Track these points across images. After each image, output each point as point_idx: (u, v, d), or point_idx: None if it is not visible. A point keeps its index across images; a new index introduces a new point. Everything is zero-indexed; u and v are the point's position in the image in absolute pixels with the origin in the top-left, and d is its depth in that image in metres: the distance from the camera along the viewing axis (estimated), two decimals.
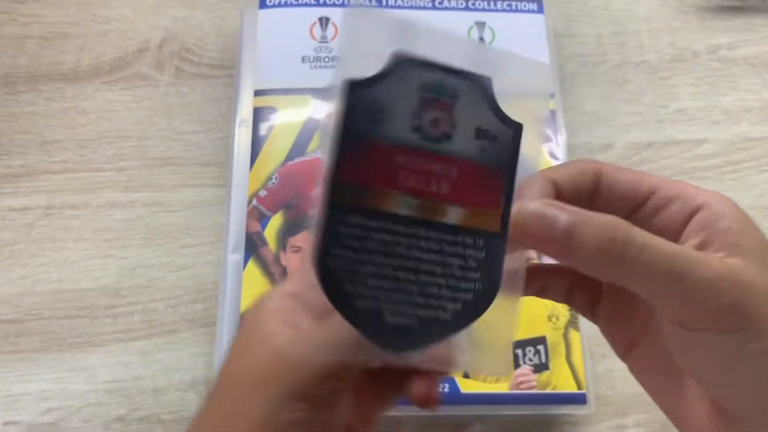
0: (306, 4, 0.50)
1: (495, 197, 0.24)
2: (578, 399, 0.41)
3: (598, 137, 0.50)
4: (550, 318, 0.43)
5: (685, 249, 0.23)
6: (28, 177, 0.48)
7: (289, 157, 0.46)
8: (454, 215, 0.23)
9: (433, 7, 0.51)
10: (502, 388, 0.41)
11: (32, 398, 0.42)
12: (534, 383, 0.41)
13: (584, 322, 0.43)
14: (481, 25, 0.50)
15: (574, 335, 0.43)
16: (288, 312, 0.26)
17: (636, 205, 0.26)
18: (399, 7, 0.51)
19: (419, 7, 0.51)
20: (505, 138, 0.24)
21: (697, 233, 0.24)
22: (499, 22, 0.50)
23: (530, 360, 0.42)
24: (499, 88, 0.24)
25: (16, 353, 0.43)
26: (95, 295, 0.45)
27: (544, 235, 0.23)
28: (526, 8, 0.51)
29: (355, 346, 0.23)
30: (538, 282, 0.28)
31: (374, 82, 0.23)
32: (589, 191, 0.26)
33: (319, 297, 0.23)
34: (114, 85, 0.51)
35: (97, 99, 0.50)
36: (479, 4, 0.51)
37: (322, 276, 0.22)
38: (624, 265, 0.22)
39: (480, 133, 0.24)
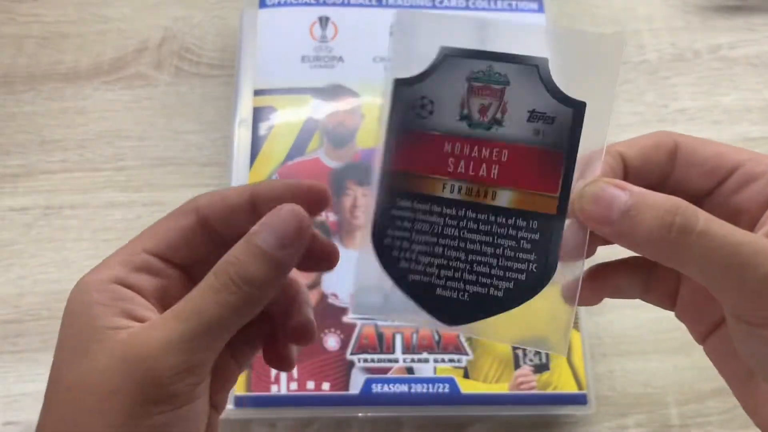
0: (306, 4, 0.50)
1: (551, 180, 0.24)
2: (579, 399, 0.41)
3: None
4: None
5: (756, 238, 0.21)
6: (27, 177, 0.48)
7: (289, 156, 0.46)
8: (504, 198, 0.24)
9: (433, 6, 0.51)
10: (502, 388, 0.41)
11: (32, 398, 0.42)
12: (534, 384, 0.41)
13: (584, 321, 0.43)
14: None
15: (574, 335, 0.42)
16: (121, 301, 0.23)
17: (717, 182, 0.24)
18: (399, 6, 0.51)
19: (419, 6, 0.51)
20: (564, 119, 0.24)
21: None
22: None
23: (530, 360, 0.42)
24: (559, 68, 0.24)
25: (15, 353, 0.43)
26: None
27: (601, 217, 0.22)
28: (527, 8, 0.51)
29: (214, 332, 0.22)
30: (610, 283, 0.27)
31: (422, 78, 0.25)
32: (663, 166, 0.25)
33: (151, 282, 0.24)
34: (113, 85, 0.51)
35: (96, 99, 0.50)
36: (479, 4, 0.51)
37: (380, 254, 0.25)
38: (679, 253, 0.21)
39: (534, 116, 0.24)
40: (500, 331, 0.25)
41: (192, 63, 0.51)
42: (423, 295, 0.25)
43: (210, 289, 0.23)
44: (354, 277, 0.26)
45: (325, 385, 0.41)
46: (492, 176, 0.24)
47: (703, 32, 0.54)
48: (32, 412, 0.42)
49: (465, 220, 0.24)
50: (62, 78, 0.51)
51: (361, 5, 0.50)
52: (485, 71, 0.24)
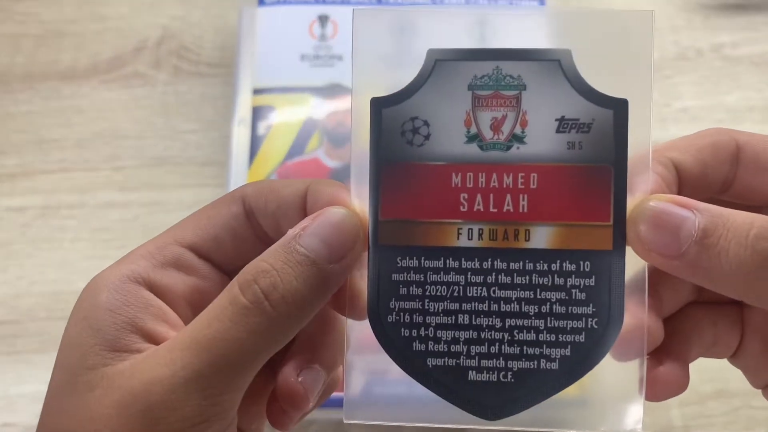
0: (305, 2, 0.50)
1: (600, 204, 0.18)
2: (579, 401, 0.41)
3: None
4: None
5: None
6: (25, 177, 0.48)
7: (288, 156, 0.45)
8: (542, 237, 0.18)
9: (433, 4, 0.51)
10: None
11: (29, 400, 0.42)
12: None
13: None
14: (482, 23, 0.50)
15: None
16: (134, 306, 0.19)
17: None
18: (398, 4, 0.51)
19: (419, 5, 0.51)
20: (603, 123, 0.18)
21: None
22: (500, 20, 0.50)
23: None
24: (584, 60, 0.19)
25: (12, 354, 0.43)
26: None
27: (665, 248, 0.17)
28: (528, 7, 0.51)
29: (239, 367, 0.17)
30: (709, 333, 0.21)
31: (408, 94, 0.19)
32: (725, 174, 0.20)
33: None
34: (111, 84, 0.50)
35: (94, 98, 0.50)
36: (480, 2, 0.51)
37: (383, 337, 0.19)
38: None
39: (565, 125, 0.19)
40: (561, 415, 0.19)
41: (190, 62, 0.51)
42: (451, 384, 0.19)
43: (233, 307, 0.18)
44: (346, 368, 0.20)
45: None
46: (521, 210, 0.19)
47: (706, 31, 0.54)
48: (29, 414, 0.41)
49: (494, 274, 0.19)
50: (60, 77, 0.50)
51: (360, 4, 0.50)
52: (492, 75, 0.19)
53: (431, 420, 0.20)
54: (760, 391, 0.23)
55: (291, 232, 0.19)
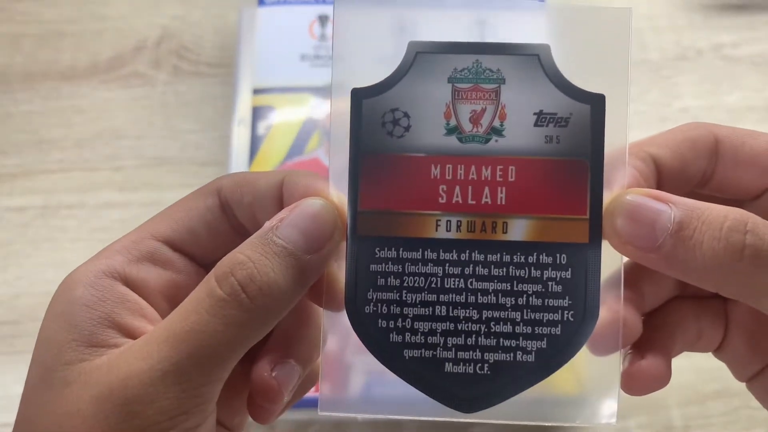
0: (305, 2, 0.50)
1: (576, 198, 0.18)
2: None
3: None
4: None
5: None
6: (24, 177, 0.47)
7: (288, 156, 0.45)
8: (519, 229, 0.19)
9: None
10: None
11: None
12: None
13: None
14: (481, 22, 0.50)
15: None
16: (110, 302, 0.19)
17: (767, 186, 0.20)
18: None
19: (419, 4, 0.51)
20: (581, 118, 0.19)
21: None
22: (500, 19, 0.50)
23: None
24: (563, 55, 0.19)
25: (12, 354, 0.43)
26: None
27: (642, 241, 0.17)
28: (528, 6, 0.51)
29: (217, 359, 0.17)
30: (693, 328, 0.21)
31: (389, 85, 0.19)
32: (703, 168, 0.20)
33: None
34: (111, 84, 0.50)
35: (93, 98, 0.50)
36: (480, 1, 0.51)
37: (359, 326, 0.19)
38: (755, 283, 0.17)
39: (542, 119, 0.19)
40: (537, 407, 0.19)
41: (190, 62, 0.51)
42: (427, 376, 0.19)
43: (210, 299, 0.17)
44: (322, 357, 0.20)
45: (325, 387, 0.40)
46: (498, 202, 0.19)
47: (706, 31, 0.54)
48: None
49: (471, 266, 0.19)
50: (60, 77, 0.50)
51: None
52: (471, 68, 0.19)
53: (407, 413, 0.20)
54: None
55: (268, 223, 0.18)
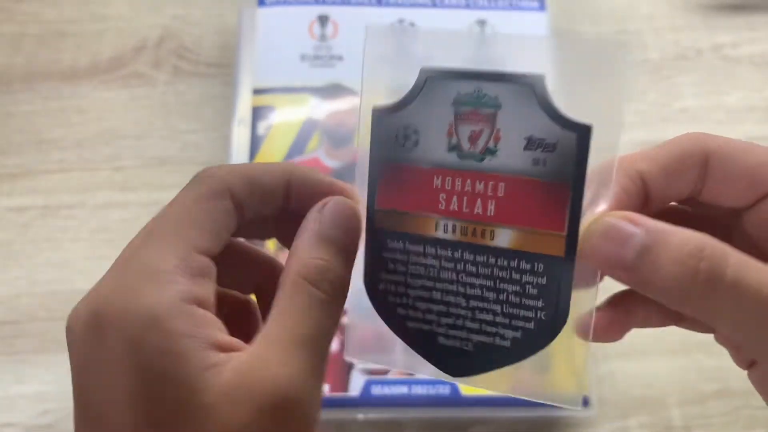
0: (305, 2, 0.50)
1: (556, 216, 0.20)
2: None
3: None
4: None
5: None
6: (25, 177, 0.48)
7: (288, 156, 0.45)
8: (504, 238, 0.21)
9: (434, 5, 0.51)
10: None
11: (28, 400, 0.42)
12: None
13: None
14: (482, 23, 0.50)
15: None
16: (204, 327, 0.18)
17: (758, 198, 0.21)
18: (399, 5, 0.51)
19: (419, 5, 0.51)
20: (567, 145, 0.20)
21: None
22: (500, 20, 0.50)
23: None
24: (558, 85, 0.20)
25: (12, 355, 0.43)
26: None
27: (613, 258, 0.19)
28: (528, 6, 0.51)
29: (329, 350, 0.20)
30: (636, 312, 0.23)
31: (403, 105, 0.22)
32: (693, 183, 0.21)
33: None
34: (111, 84, 0.50)
35: (94, 98, 0.50)
36: (480, 3, 0.51)
37: (375, 299, 0.23)
38: (707, 305, 0.18)
39: (532, 143, 0.21)
40: (510, 382, 0.23)
41: (190, 62, 0.51)
42: (424, 344, 0.23)
43: (317, 302, 0.20)
44: (348, 320, 0.23)
45: (325, 387, 0.40)
46: (488, 213, 0.21)
47: (706, 31, 0.54)
48: (29, 414, 0.42)
49: (463, 263, 0.22)
50: (60, 77, 0.50)
51: (360, 4, 0.50)
52: (473, 94, 0.21)
53: (411, 369, 0.24)
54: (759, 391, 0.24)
55: (312, 225, 0.21)
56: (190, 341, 0.18)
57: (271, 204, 0.22)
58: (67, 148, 0.48)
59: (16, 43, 0.52)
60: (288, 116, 0.47)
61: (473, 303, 0.22)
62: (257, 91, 0.47)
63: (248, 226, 0.22)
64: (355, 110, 0.47)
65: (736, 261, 0.18)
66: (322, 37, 0.49)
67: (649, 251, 0.18)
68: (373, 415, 0.41)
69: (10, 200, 0.47)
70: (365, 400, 0.40)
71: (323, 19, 0.49)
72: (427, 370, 0.22)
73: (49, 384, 0.42)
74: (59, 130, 0.49)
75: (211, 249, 0.20)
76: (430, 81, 0.21)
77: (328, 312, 0.20)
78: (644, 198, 0.21)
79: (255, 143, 0.46)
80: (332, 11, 0.49)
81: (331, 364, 0.41)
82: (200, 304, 0.19)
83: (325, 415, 0.41)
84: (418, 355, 0.23)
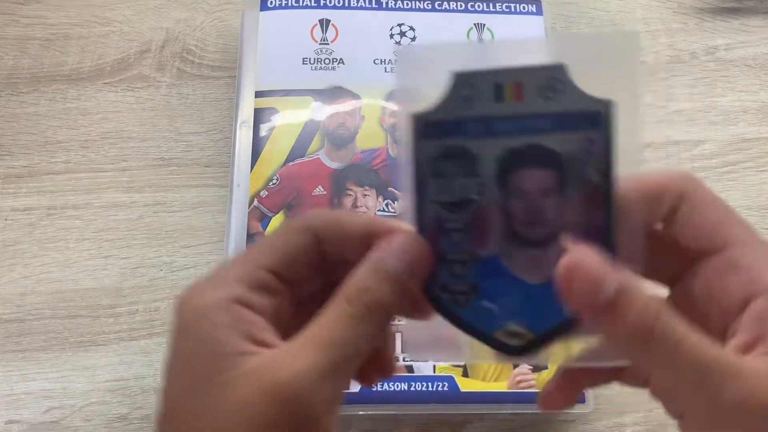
0: (307, 6, 0.50)
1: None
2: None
3: None
4: None
5: (723, 355, 0.20)
6: (31, 177, 0.48)
7: (290, 158, 0.46)
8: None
9: (433, 9, 0.52)
10: (501, 387, 0.41)
11: (34, 397, 0.42)
12: (533, 382, 0.42)
13: None
14: (480, 26, 0.51)
15: None
16: (245, 323, 0.22)
17: (706, 253, 0.23)
18: (399, 9, 0.51)
19: (418, 9, 0.51)
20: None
21: (750, 327, 0.21)
22: (498, 23, 0.51)
23: None
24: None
25: (18, 353, 0.44)
26: (97, 294, 0.45)
27: (586, 296, 0.21)
28: (525, 10, 0.51)
29: (354, 361, 0.22)
30: (585, 376, 0.26)
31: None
32: (665, 215, 0.23)
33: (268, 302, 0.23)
34: (116, 87, 0.51)
35: (99, 100, 0.50)
36: (478, 6, 0.51)
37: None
38: (655, 359, 0.20)
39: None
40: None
41: (194, 65, 0.52)
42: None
43: (347, 316, 0.22)
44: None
45: None
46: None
47: (700, 34, 0.54)
48: (34, 411, 0.42)
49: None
50: (65, 79, 0.51)
51: (361, 8, 0.51)
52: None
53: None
54: None
55: (375, 254, 0.23)
56: (228, 330, 0.22)
57: (353, 247, 0.24)
58: (73, 150, 0.49)
59: (21, 46, 0.52)
60: (290, 118, 0.47)
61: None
62: (260, 94, 0.48)
63: (338, 271, 0.24)
64: (355, 112, 0.48)
65: (682, 328, 0.20)
66: (324, 41, 0.49)
67: (621, 296, 0.20)
68: (373, 411, 0.41)
69: (16, 200, 0.47)
70: (365, 397, 0.41)
71: (324, 23, 0.50)
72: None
73: (55, 381, 0.43)
74: (65, 131, 0.49)
75: (279, 269, 0.24)
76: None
77: (354, 326, 0.22)
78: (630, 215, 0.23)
79: (257, 145, 0.46)
80: (333, 15, 0.50)
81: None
82: (248, 306, 0.23)
83: None
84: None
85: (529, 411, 0.42)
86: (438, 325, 0.24)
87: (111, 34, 0.53)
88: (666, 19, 0.55)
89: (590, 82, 0.22)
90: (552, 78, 0.22)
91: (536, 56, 0.23)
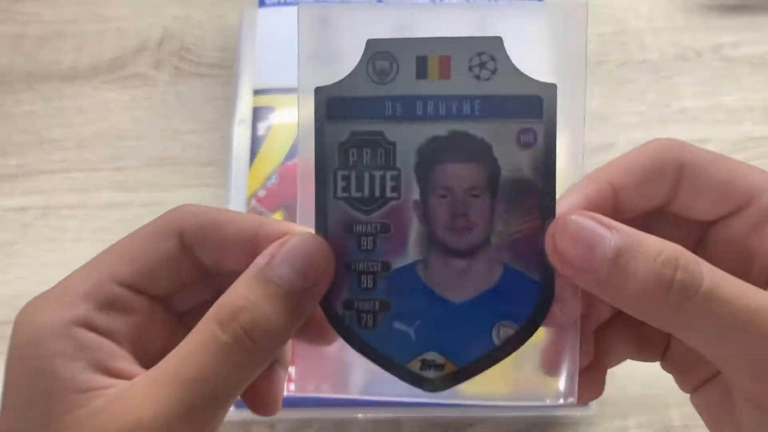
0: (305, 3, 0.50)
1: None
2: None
3: (599, 136, 0.50)
4: None
5: None
6: (26, 177, 0.48)
7: (289, 157, 0.46)
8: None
9: (433, 3, 0.51)
10: (504, 389, 0.41)
11: None
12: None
13: None
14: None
15: None
16: (89, 350, 0.18)
17: (728, 212, 0.20)
18: (399, 4, 0.51)
19: (419, 4, 0.51)
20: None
21: None
22: (501, 18, 0.50)
23: None
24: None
25: None
26: None
27: (581, 261, 0.18)
28: (528, 6, 0.51)
29: (224, 400, 0.18)
30: (600, 349, 0.22)
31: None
32: (665, 194, 0.20)
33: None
34: (112, 85, 0.51)
35: (95, 99, 0.50)
36: (480, 2, 0.51)
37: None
38: (680, 317, 0.17)
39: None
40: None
41: (191, 63, 0.51)
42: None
43: (215, 344, 0.18)
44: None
45: (325, 386, 0.40)
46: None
47: (705, 31, 0.54)
48: None
49: None
50: (61, 78, 0.51)
51: (361, 3, 0.50)
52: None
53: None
54: None
55: (260, 259, 0.19)
56: (68, 361, 0.18)
57: (234, 256, 0.20)
58: (68, 149, 0.49)
59: (16, 44, 0.52)
60: (288, 117, 0.47)
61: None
62: (258, 92, 0.47)
63: (224, 279, 0.20)
64: None
65: (713, 274, 0.17)
66: None
67: (621, 256, 0.17)
68: (373, 414, 0.41)
69: (11, 200, 0.47)
70: (365, 399, 0.40)
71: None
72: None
73: None
74: (60, 130, 0.49)
75: (135, 282, 0.20)
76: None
77: (225, 356, 0.18)
78: (613, 209, 0.20)
79: (255, 143, 0.46)
80: None
81: (331, 364, 0.41)
82: (95, 328, 0.19)
83: (325, 414, 0.41)
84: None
85: (531, 414, 0.41)
86: (338, 350, 0.20)
87: (107, 32, 0.52)
88: (671, 16, 0.54)
89: (530, 60, 0.19)
90: (485, 53, 0.19)
91: (468, 27, 0.20)
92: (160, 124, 0.49)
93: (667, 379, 0.43)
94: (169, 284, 0.20)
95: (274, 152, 0.46)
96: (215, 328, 0.18)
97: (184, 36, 0.52)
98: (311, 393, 0.21)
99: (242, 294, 0.18)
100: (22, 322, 0.19)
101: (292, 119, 0.47)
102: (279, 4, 0.50)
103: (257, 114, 0.47)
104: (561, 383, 0.21)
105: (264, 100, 0.47)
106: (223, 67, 0.51)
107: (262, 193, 0.45)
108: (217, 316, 0.18)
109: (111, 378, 0.18)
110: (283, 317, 0.18)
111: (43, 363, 0.18)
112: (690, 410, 0.42)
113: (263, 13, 0.49)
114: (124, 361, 0.19)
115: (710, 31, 0.54)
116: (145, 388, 0.18)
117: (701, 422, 0.42)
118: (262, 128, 0.46)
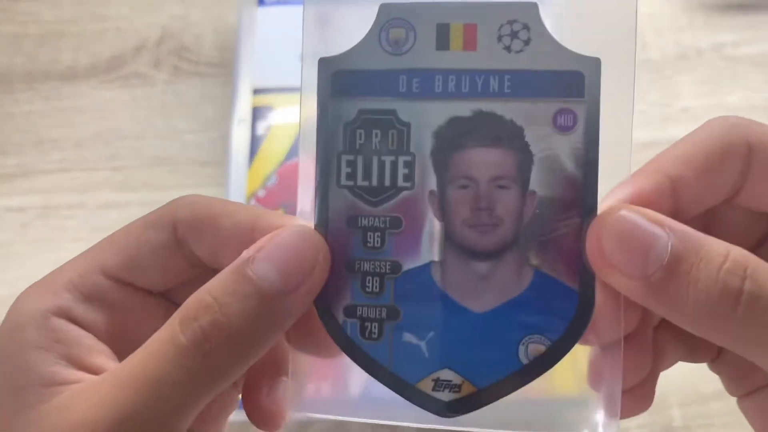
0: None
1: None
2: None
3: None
4: None
5: None
6: (24, 177, 0.48)
7: (289, 156, 0.45)
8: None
9: None
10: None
11: None
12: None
13: None
14: None
15: None
16: (64, 344, 0.17)
17: None
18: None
19: None
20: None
21: None
22: None
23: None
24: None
25: None
26: None
27: (633, 268, 0.15)
28: None
29: (181, 407, 0.16)
30: (685, 340, 0.19)
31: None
32: (732, 183, 0.17)
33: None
34: (111, 84, 0.50)
35: (94, 98, 0.50)
36: None
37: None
38: (748, 334, 0.15)
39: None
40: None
41: (190, 62, 0.51)
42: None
43: (171, 345, 0.16)
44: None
45: (325, 387, 0.40)
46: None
47: (707, 30, 0.54)
48: None
49: None
50: (60, 77, 0.50)
51: (357, 3, 0.50)
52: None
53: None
54: None
55: (245, 253, 0.17)
56: (40, 352, 0.17)
57: (229, 250, 0.18)
58: (67, 148, 0.48)
59: (15, 43, 0.52)
60: (288, 116, 0.47)
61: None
62: (257, 91, 0.47)
63: (210, 266, 0.19)
64: None
65: None
66: None
67: (681, 262, 0.15)
68: (371, 420, 0.41)
69: (9, 200, 0.47)
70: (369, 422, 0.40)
71: None
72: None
73: None
74: (59, 130, 0.49)
75: (121, 273, 0.19)
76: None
77: (182, 362, 0.15)
78: (673, 208, 0.17)
79: (255, 143, 0.46)
80: None
81: (331, 364, 0.40)
82: (74, 320, 0.18)
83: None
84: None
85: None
86: (339, 364, 0.18)
87: (106, 31, 0.52)
88: (672, 15, 0.54)
89: (570, 30, 0.16)
90: (518, 21, 0.16)
91: None
92: (159, 124, 0.49)
93: (668, 379, 0.43)
94: (160, 277, 0.19)
95: (273, 152, 0.45)
96: (176, 329, 0.16)
97: (183, 35, 0.52)
98: (306, 413, 0.19)
99: (211, 291, 0.16)
100: (11, 309, 0.18)
101: (291, 118, 0.47)
102: (278, 3, 0.50)
103: (256, 113, 0.46)
104: (600, 408, 0.18)
105: (263, 100, 0.47)
106: (222, 67, 0.51)
107: (261, 193, 0.45)
108: (179, 313, 0.16)
109: (82, 372, 0.17)
110: (253, 322, 0.16)
111: (17, 352, 0.17)
112: (691, 410, 0.42)
113: (262, 12, 0.49)
114: (101, 356, 0.18)
115: (712, 31, 0.54)
116: (101, 388, 0.16)
117: (702, 423, 0.42)
118: (261, 128, 0.46)
